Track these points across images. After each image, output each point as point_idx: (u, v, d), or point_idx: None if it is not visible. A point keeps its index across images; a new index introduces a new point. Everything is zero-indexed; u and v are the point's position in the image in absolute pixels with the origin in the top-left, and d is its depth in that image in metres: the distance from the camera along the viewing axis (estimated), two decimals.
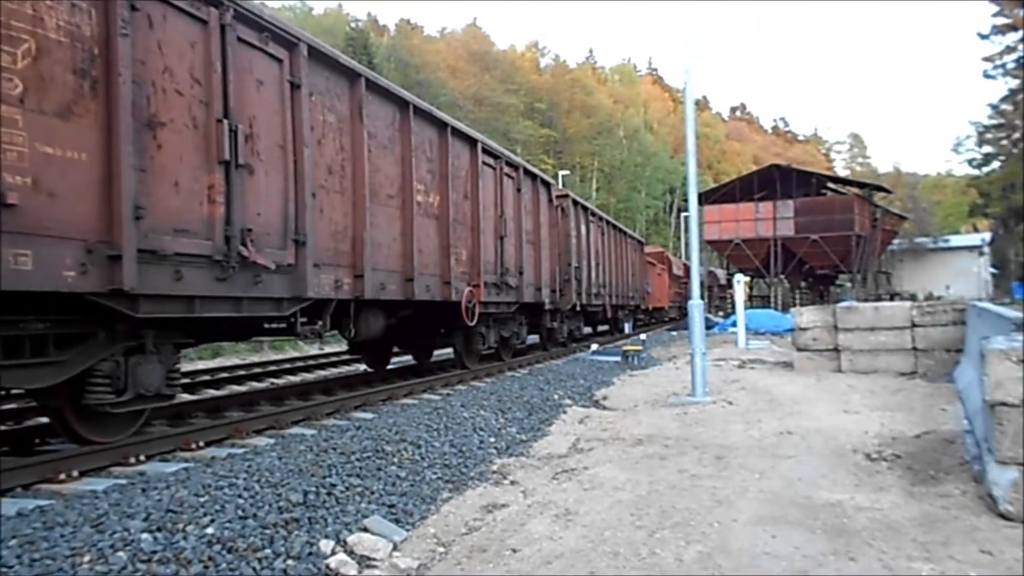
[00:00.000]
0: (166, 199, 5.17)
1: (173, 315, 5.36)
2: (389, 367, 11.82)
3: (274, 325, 7.12)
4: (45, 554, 3.29)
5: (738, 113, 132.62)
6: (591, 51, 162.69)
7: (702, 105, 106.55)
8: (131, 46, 4.86)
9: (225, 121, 5.68)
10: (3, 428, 6.61)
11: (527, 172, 13.19)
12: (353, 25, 69.67)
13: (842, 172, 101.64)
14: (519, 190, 12.58)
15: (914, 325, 11.72)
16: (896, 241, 50.73)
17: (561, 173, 47.69)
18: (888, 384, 10.32)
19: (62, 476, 4.79)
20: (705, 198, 42.09)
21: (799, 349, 12.57)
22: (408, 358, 12.78)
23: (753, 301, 40.89)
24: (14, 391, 6.74)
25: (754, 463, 5.78)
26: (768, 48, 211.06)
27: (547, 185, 14.46)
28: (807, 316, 12.60)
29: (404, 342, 11.79)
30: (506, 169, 12.02)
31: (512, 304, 12.27)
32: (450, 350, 11.85)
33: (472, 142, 10.68)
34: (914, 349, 11.66)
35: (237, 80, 5.88)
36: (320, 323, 7.11)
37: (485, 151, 11.08)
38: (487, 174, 11.21)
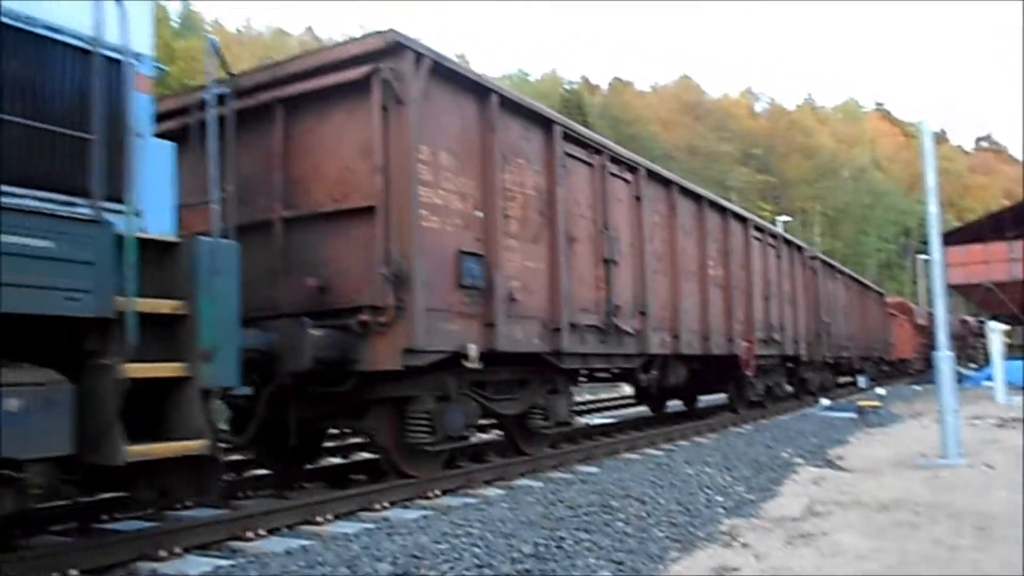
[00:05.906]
0: (578, 289, 7.70)
1: (577, 367, 7.84)
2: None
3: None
4: None
5: (984, 144, 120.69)
6: (809, 94, 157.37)
7: (940, 139, 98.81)
8: (563, 191, 7.47)
9: (605, 231, 8.19)
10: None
11: (785, 240, 14.97)
12: (567, 87, 74.44)
13: None
14: (779, 257, 14.32)
15: None
16: None
17: (781, 219, 47.06)
18: None
19: (319, 519, 5.29)
20: (947, 239, 39.48)
21: None
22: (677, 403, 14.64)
23: (1012, 351, 37.42)
24: None
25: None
26: (1017, 69, 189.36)
27: (800, 249, 16.01)
28: None
29: (677, 390, 13.73)
30: (769, 240, 13.89)
31: (776, 356, 13.85)
32: (712, 397, 13.57)
33: (743, 220, 12.69)
34: None
35: (609, 201, 8.39)
36: (654, 372, 9.34)
37: (755, 227, 13.09)
38: (755, 246, 13.10)
